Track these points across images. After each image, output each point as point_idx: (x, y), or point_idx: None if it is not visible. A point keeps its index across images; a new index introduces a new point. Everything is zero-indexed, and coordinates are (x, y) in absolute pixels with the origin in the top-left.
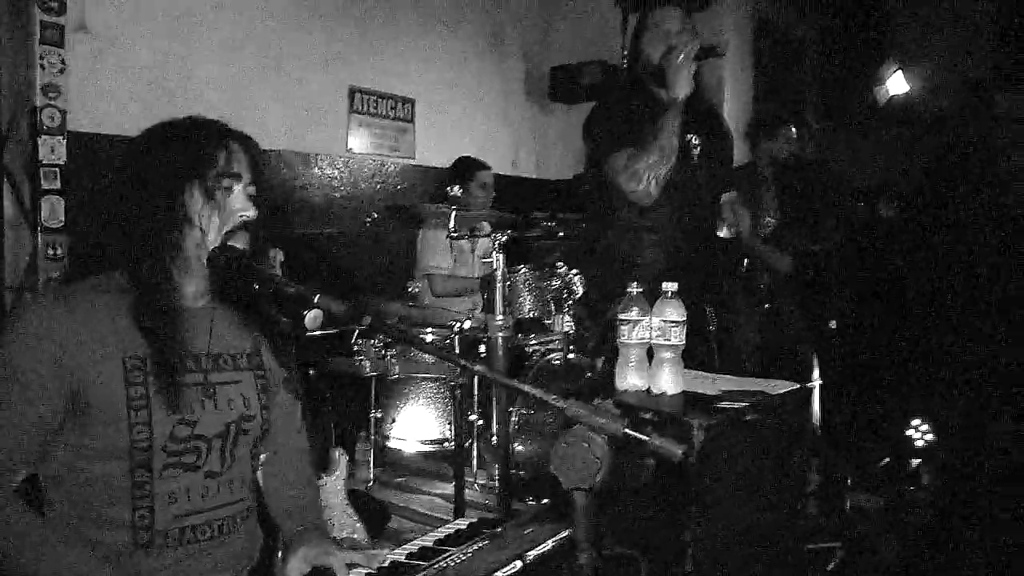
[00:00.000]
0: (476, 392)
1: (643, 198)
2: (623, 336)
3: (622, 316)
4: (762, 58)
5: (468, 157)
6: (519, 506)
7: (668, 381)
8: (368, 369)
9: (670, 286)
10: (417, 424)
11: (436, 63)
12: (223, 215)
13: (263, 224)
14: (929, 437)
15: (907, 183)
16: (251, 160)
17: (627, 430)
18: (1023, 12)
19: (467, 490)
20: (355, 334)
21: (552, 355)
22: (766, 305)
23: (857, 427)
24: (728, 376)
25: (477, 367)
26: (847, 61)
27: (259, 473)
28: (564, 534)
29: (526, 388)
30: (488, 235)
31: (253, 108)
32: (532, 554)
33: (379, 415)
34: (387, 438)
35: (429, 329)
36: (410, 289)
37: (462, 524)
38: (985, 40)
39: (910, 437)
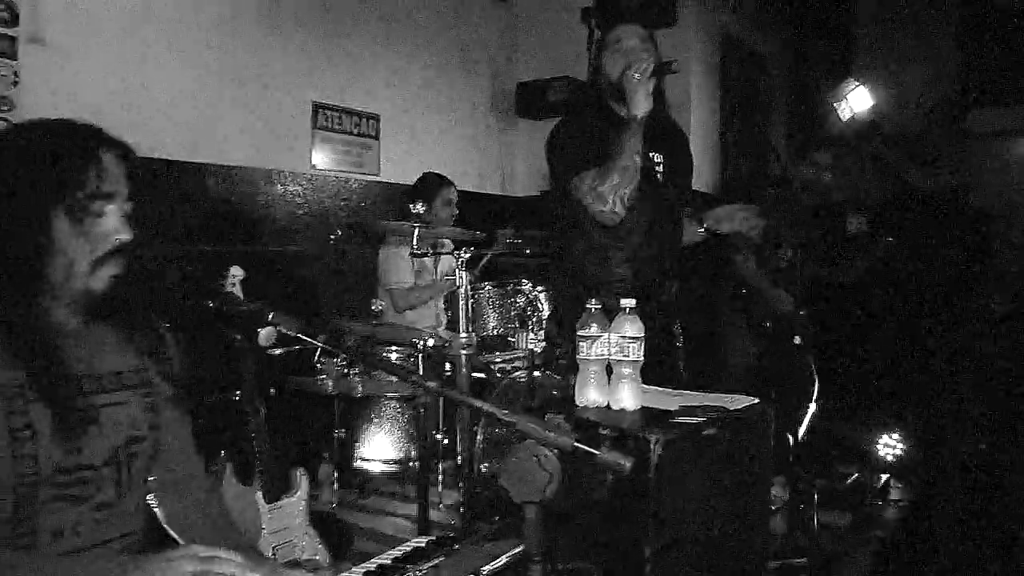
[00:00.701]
0: (441, 411)
1: (609, 218)
2: (582, 352)
3: (581, 332)
4: (729, 74)
5: (432, 174)
6: (483, 525)
7: (627, 397)
8: (331, 388)
9: (628, 303)
10: (382, 444)
11: (401, 79)
12: (92, 241)
13: (148, 244)
14: (898, 452)
15: (875, 198)
16: (129, 172)
17: (577, 444)
18: (987, 28)
19: (433, 511)
20: (317, 352)
21: (517, 372)
22: (767, 324)
23: (827, 443)
24: (690, 392)
25: (429, 383)
26: (813, 77)
27: (151, 499)
28: (518, 549)
29: (476, 403)
30: (450, 252)
31: (214, 123)
32: (487, 569)
33: (343, 435)
34: (351, 458)
35: (393, 347)
36: (373, 307)
37: (421, 542)
38: (951, 57)
39: (879, 452)
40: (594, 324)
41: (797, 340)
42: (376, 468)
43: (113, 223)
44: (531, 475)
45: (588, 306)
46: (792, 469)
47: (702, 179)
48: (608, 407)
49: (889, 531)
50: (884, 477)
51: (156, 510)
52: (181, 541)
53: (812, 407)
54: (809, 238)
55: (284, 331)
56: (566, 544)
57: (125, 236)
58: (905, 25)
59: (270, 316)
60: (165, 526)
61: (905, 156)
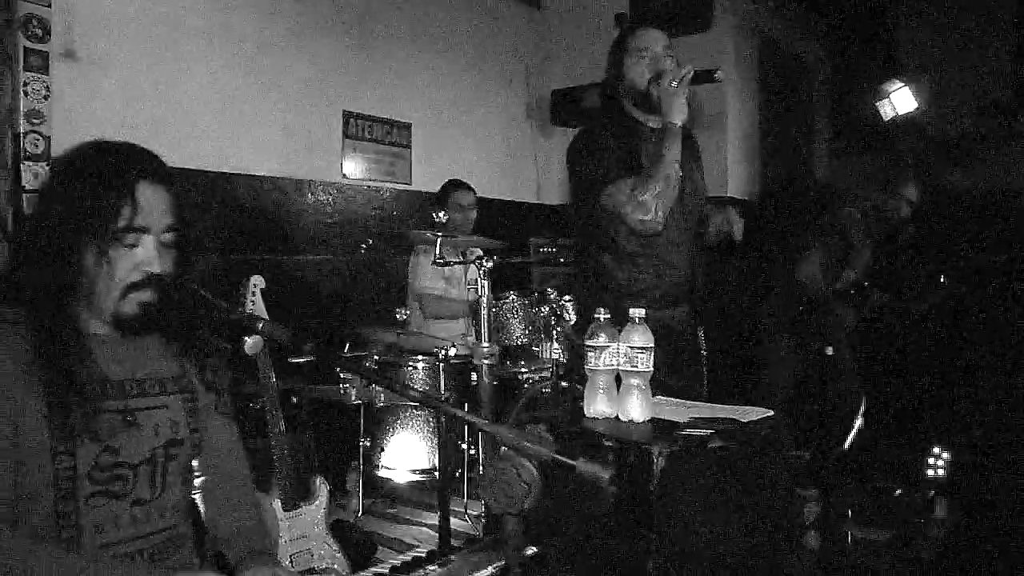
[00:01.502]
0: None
1: (652, 227)
2: (590, 362)
3: (589, 343)
4: (768, 79)
5: (450, 180)
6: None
7: (636, 408)
8: (353, 397)
9: (637, 312)
10: (406, 453)
11: (433, 86)
12: (121, 272)
13: (184, 272)
14: (946, 468)
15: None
16: (170, 200)
17: (555, 455)
18: None
19: (458, 520)
20: (340, 362)
21: (543, 383)
22: (827, 350)
23: (867, 458)
24: (704, 403)
25: (413, 391)
26: (856, 80)
27: (198, 499)
28: (503, 562)
29: (458, 413)
30: (472, 261)
31: (245, 134)
32: None
33: (368, 444)
34: (376, 467)
35: (419, 356)
36: (398, 316)
37: (421, 552)
38: (1004, 58)
39: (926, 468)
40: (602, 334)
41: (829, 351)
42: (401, 477)
43: (144, 255)
44: (510, 486)
45: (596, 316)
46: (827, 483)
47: (740, 186)
48: (617, 418)
49: (932, 550)
50: (931, 493)
51: (200, 508)
52: (217, 541)
53: (859, 421)
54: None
55: (276, 340)
56: (569, 557)
57: (155, 268)
58: (953, 25)
59: (259, 326)
60: (206, 525)
61: (945, 158)
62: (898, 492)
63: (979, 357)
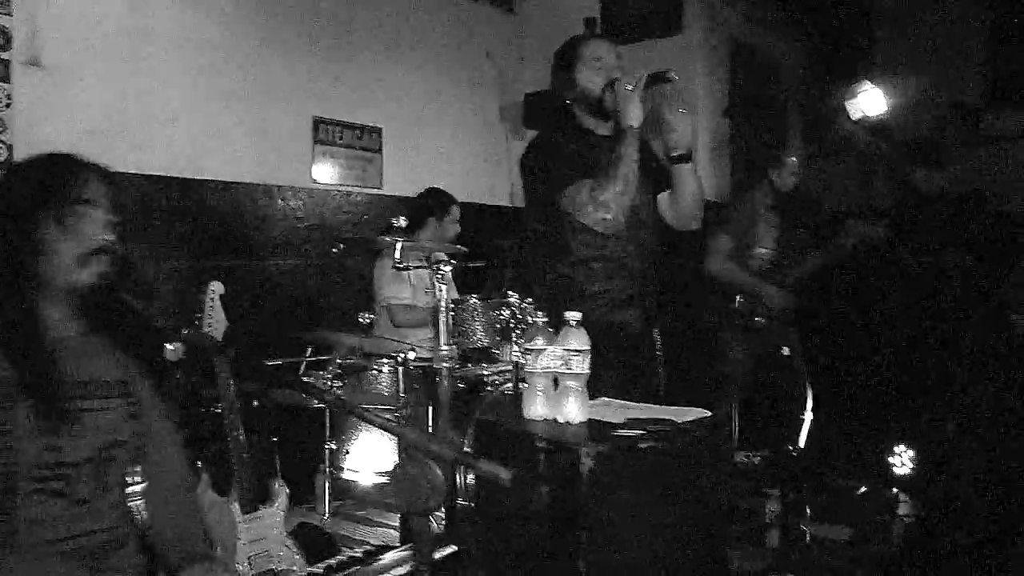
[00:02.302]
0: (429, 421)
1: (613, 226)
2: (528, 365)
3: (527, 346)
4: (739, 82)
5: (438, 190)
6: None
7: (573, 410)
8: (316, 400)
9: (573, 316)
10: (369, 455)
11: (404, 91)
12: (77, 239)
13: (125, 256)
14: (909, 466)
15: (887, 206)
16: (110, 192)
17: (458, 456)
18: (1016, 31)
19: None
20: (303, 365)
21: (504, 385)
22: (783, 350)
23: (828, 456)
24: (642, 404)
25: (325, 394)
26: (829, 83)
27: (139, 503)
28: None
29: (367, 415)
30: (428, 266)
31: (214, 140)
32: None
33: (334, 447)
34: (342, 470)
35: (383, 360)
36: (361, 320)
37: (357, 552)
38: (976, 62)
39: (888, 466)
40: (539, 338)
41: (786, 351)
42: (366, 479)
43: (97, 226)
44: (416, 487)
45: (534, 320)
46: (787, 483)
47: (711, 187)
48: (555, 420)
49: (891, 547)
50: (894, 491)
51: (142, 513)
52: (152, 544)
53: (808, 417)
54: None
55: (199, 345)
56: (497, 556)
57: (109, 236)
58: (926, 29)
59: (184, 332)
60: (146, 531)
61: (912, 159)
62: (861, 490)
63: (944, 356)
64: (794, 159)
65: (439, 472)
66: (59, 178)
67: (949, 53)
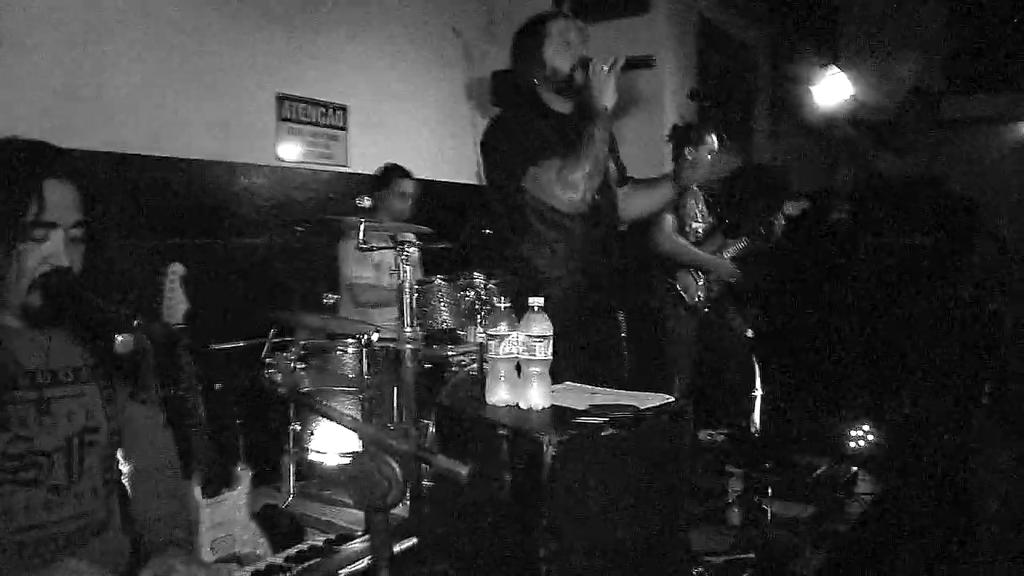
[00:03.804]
0: (395, 403)
1: (579, 206)
2: (491, 351)
3: (490, 331)
4: (707, 63)
5: (389, 165)
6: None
7: (536, 396)
8: (280, 383)
9: (536, 301)
10: (336, 436)
11: (369, 67)
12: (28, 265)
13: (92, 265)
14: (869, 443)
15: (851, 185)
16: (78, 196)
17: (415, 451)
18: (975, 17)
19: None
20: (265, 347)
21: (468, 366)
22: (706, 310)
23: (790, 433)
24: (606, 389)
25: (282, 390)
26: (794, 65)
27: (127, 485)
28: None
29: (318, 406)
30: (393, 247)
31: (175, 117)
32: (343, 572)
33: (299, 428)
34: (307, 451)
35: (348, 341)
36: (325, 301)
37: (318, 541)
38: (935, 47)
39: (849, 443)
40: (503, 323)
41: (750, 333)
42: (331, 460)
43: (52, 249)
44: (372, 482)
45: (497, 304)
46: (747, 460)
47: None
48: (517, 406)
49: (850, 524)
50: (853, 469)
51: (131, 495)
52: (139, 527)
53: (758, 394)
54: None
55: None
56: (457, 547)
57: (62, 262)
58: (890, 12)
59: (135, 323)
60: (128, 510)
61: (877, 143)
62: (822, 468)
63: (905, 335)
64: (712, 137)
65: (397, 467)
66: (18, 194)
67: (909, 38)
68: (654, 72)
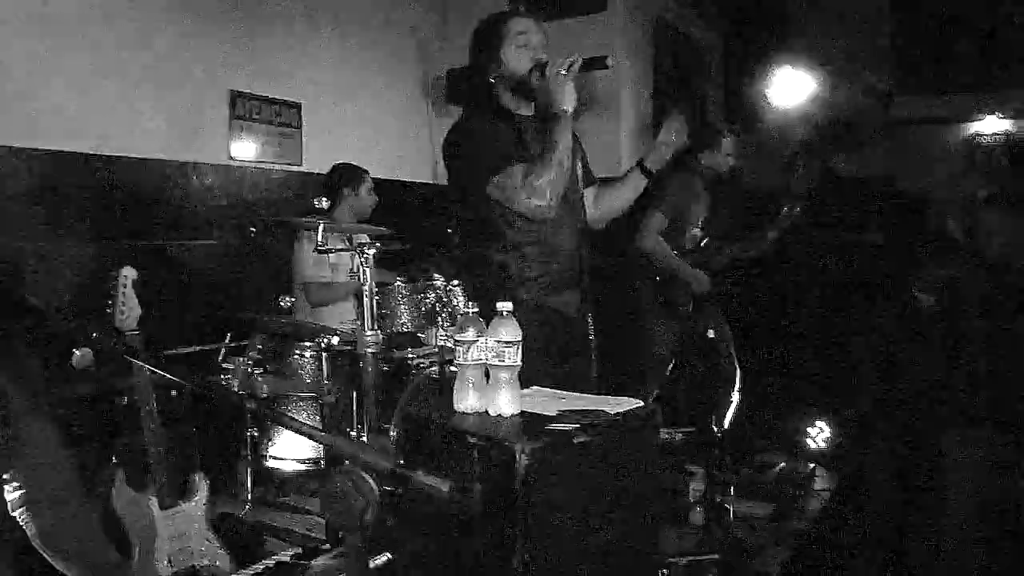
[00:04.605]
0: (354, 408)
1: (546, 212)
2: (459, 357)
3: (458, 337)
4: (662, 61)
5: (346, 164)
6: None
7: (505, 402)
8: (236, 388)
9: (504, 306)
10: (292, 442)
11: (324, 65)
12: None
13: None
14: (825, 442)
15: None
16: None
17: (394, 467)
18: (921, 19)
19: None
20: (222, 353)
21: (429, 369)
22: (689, 320)
23: (750, 433)
24: (574, 394)
25: (250, 404)
26: (749, 65)
27: (20, 512)
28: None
29: (293, 424)
30: (353, 249)
31: (125, 115)
32: None
33: (256, 434)
34: (265, 458)
35: (306, 344)
36: (282, 303)
37: (285, 556)
38: (885, 47)
39: (805, 442)
40: (471, 328)
41: (711, 334)
42: (289, 467)
43: None
44: (348, 501)
45: (465, 310)
46: (710, 460)
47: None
48: (486, 412)
49: (810, 522)
50: (811, 467)
51: (25, 527)
52: (50, 559)
53: (735, 398)
54: (720, 222)
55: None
56: (431, 560)
57: None
58: (839, 11)
59: (93, 336)
60: (35, 544)
61: (830, 142)
62: (780, 465)
63: (860, 332)
64: (729, 139)
65: (373, 486)
66: None
67: (861, 40)
68: (610, 70)
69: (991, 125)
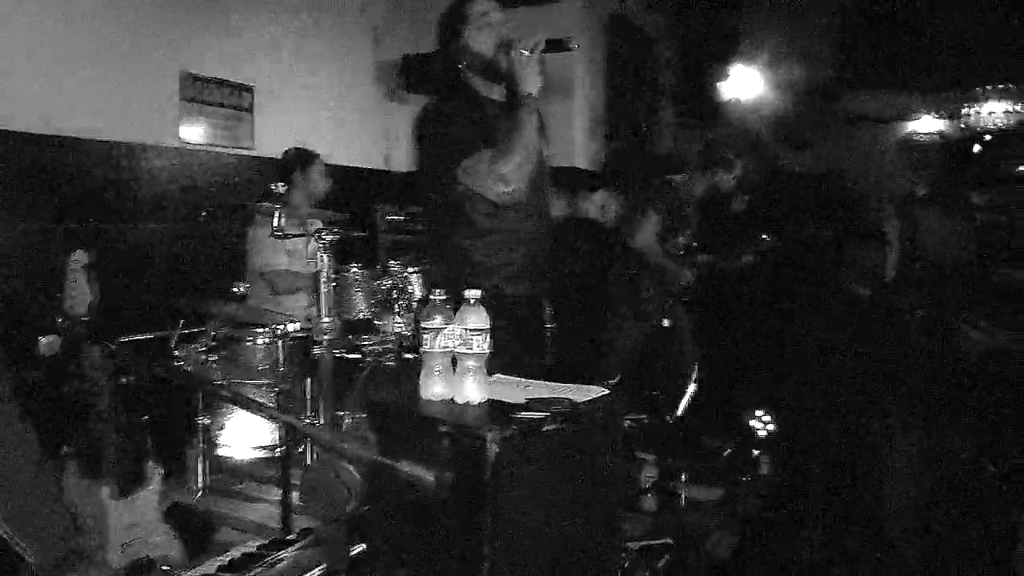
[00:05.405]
0: (308, 394)
1: (513, 198)
2: (426, 345)
3: (425, 324)
4: (616, 53)
5: (300, 148)
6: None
7: (472, 390)
8: (193, 375)
9: (472, 293)
10: (246, 429)
11: (277, 47)
12: None
13: None
14: (769, 427)
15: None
16: None
17: (378, 458)
18: (863, 21)
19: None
20: (175, 338)
21: (385, 356)
22: (664, 322)
23: (700, 420)
24: (541, 382)
25: (226, 393)
26: (700, 58)
27: None
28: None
29: (276, 414)
30: (312, 235)
31: (73, 95)
32: None
33: (208, 421)
34: (217, 445)
35: (259, 331)
36: (235, 290)
37: (250, 548)
38: (833, 45)
39: (751, 427)
40: (438, 316)
41: (666, 323)
42: (242, 454)
43: None
44: (330, 491)
45: (432, 297)
46: (662, 447)
47: (586, 156)
48: (453, 401)
49: (756, 506)
50: (756, 452)
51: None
52: (16, 541)
53: (692, 387)
54: (695, 225)
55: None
56: (403, 549)
57: None
58: (791, 10)
59: (59, 322)
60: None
61: (780, 140)
62: (727, 451)
63: (802, 325)
64: (741, 163)
65: (355, 476)
66: None
67: (809, 37)
68: (565, 60)
69: (926, 125)
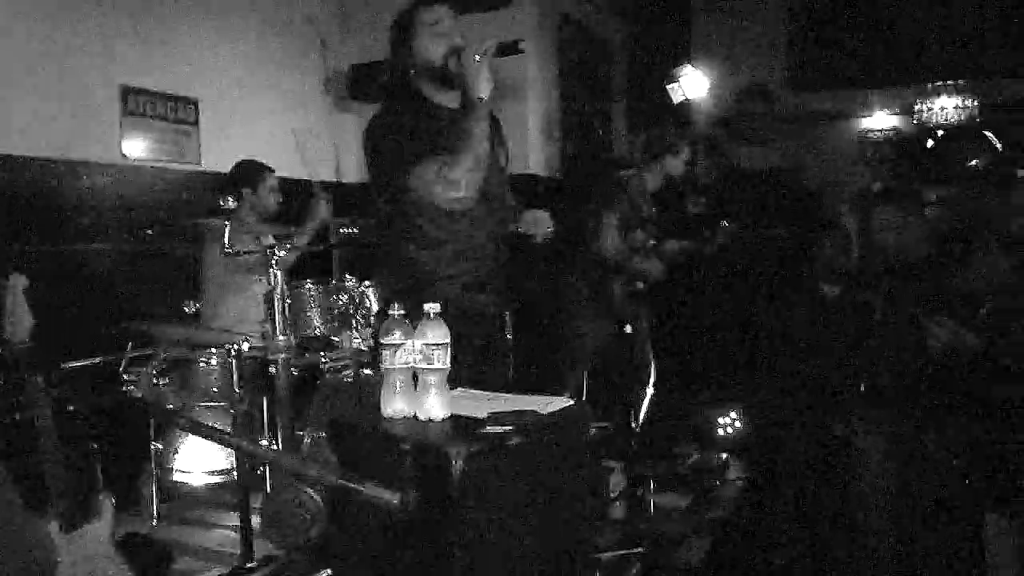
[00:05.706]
0: (265, 417)
1: (464, 204)
2: (385, 361)
3: (384, 340)
4: (568, 57)
5: (249, 161)
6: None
7: (435, 406)
8: (141, 400)
9: (432, 307)
10: (201, 454)
11: (221, 59)
12: None
13: None
14: (736, 431)
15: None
16: None
17: (341, 481)
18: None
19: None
20: (124, 363)
21: (343, 373)
22: (626, 328)
23: (667, 425)
24: (505, 394)
25: (182, 421)
26: (652, 62)
27: None
28: None
29: (231, 441)
30: (261, 251)
31: (6, 110)
32: None
33: (161, 447)
34: (171, 471)
35: (212, 352)
36: (186, 309)
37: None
38: (780, 40)
39: (717, 432)
40: (397, 331)
41: (628, 329)
42: (197, 480)
43: None
44: (292, 518)
45: (391, 312)
46: (630, 455)
47: (541, 162)
48: (415, 417)
49: (726, 510)
50: (723, 456)
51: None
52: None
53: (649, 392)
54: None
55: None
56: (383, 565)
57: None
58: (739, 11)
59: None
60: None
61: (730, 137)
62: (694, 457)
63: (765, 327)
64: (688, 147)
65: (318, 501)
66: None
67: (758, 37)
68: (517, 63)
69: (880, 121)
